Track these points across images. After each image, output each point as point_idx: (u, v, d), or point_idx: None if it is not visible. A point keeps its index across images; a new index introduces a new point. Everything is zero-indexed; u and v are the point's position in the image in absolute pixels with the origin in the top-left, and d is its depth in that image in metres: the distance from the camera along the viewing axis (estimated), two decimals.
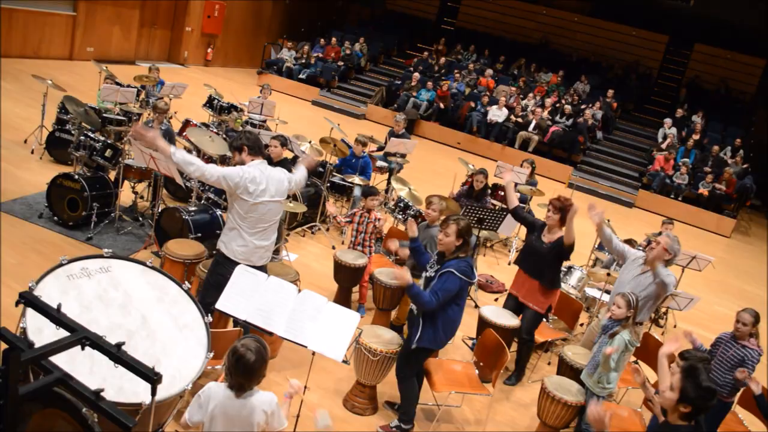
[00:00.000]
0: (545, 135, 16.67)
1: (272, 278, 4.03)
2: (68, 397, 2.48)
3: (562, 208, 5.38)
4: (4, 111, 9.38)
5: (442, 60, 20.20)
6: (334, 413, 4.78)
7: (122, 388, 3.25)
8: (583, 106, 17.75)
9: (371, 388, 4.87)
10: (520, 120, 16.97)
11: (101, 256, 3.93)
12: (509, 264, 8.71)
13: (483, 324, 5.54)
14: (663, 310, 7.85)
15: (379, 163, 9.93)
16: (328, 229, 8.52)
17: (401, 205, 8.10)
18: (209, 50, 19.54)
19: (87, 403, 2.42)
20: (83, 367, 3.19)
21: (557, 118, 17.29)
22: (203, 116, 10.79)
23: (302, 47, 20.03)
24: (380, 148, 10.40)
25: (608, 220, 8.21)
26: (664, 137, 17.07)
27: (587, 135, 17.15)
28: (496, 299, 7.49)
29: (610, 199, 15.63)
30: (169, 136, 7.79)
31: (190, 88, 11.05)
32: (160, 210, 6.52)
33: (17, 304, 2.69)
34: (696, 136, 16.93)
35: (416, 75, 18.28)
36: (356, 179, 8.24)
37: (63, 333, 2.49)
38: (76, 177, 6.51)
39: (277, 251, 7.00)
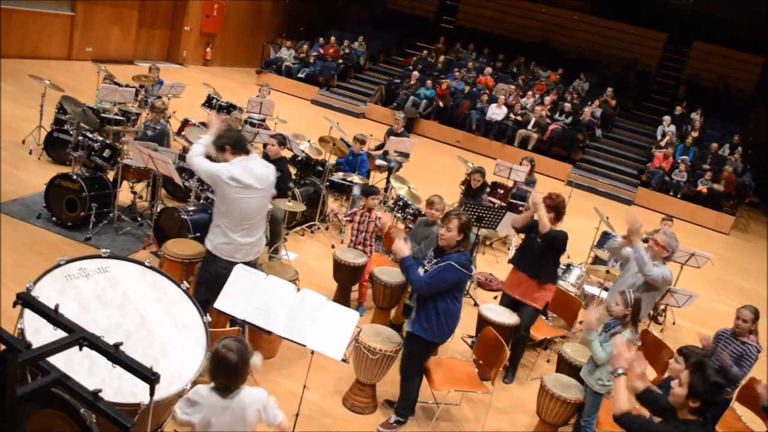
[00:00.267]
0: (544, 133, 16.67)
1: (271, 277, 4.03)
2: (66, 397, 2.48)
3: (555, 206, 5.40)
4: (2, 111, 9.37)
5: (442, 58, 20.19)
6: (334, 412, 4.79)
7: (121, 388, 3.25)
8: (582, 104, 17.75)
9: (371, 386, 4.87)
10: (519, 118, 16.96)
11: (99, 257, 3.93)
12: (508, 262, 8.71)
13: (482, 322, 5.54)
14: (662, 307, 7.86)
15: (379, 162, 9.93)
16: (327, 228, 8.51)
17: (400, 203, 8.10)
18: (208, 50, 19.53)
19: (85, 403, 2.41)
20: (81, 367, 3.19)
21: (556, 116, 17.30)
22: (202, 116, 10.78)
23: (301, 46, 20.01)
24: (379, 147, 10.40)
25: (607, 218, 8.23)
26: (663, 135, 17.08)
27: (586, 133, 17.15)
28: (495, 297, 7.48)
29: (609, 196, 15.63)
30: (165, 136, 7.80)
31: (189, 88, 11.04)
32: (158, 210, 6.51)
33: (15, 305, 2.69)
34: (695, 134, 16.95)
35: (415, 73, 18.27)
36: (355, 178, 8.23)
37: (61, 334, 2.49)
38: (75, 177, 6.50)
39: (276, 250, 7.00)
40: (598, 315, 4.56)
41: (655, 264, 5.26)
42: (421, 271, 4.50)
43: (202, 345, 3.81)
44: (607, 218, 8.23)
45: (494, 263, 8.80)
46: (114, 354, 2.47)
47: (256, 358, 3.33)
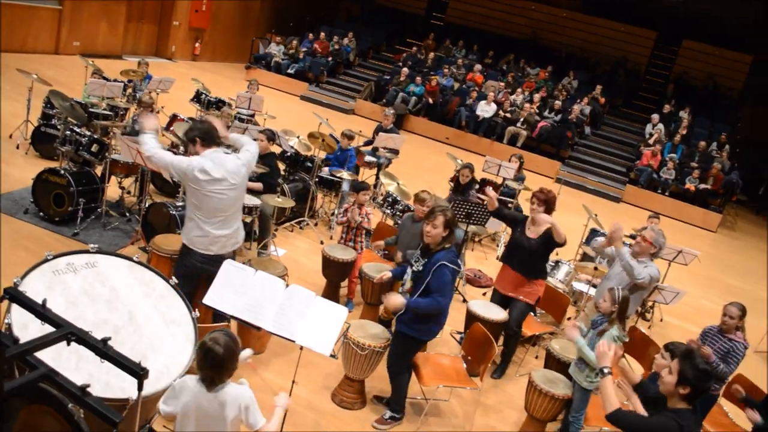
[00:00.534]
0: (533, 130, 16.73)
1: (260, 273, 4.02)
2: (54, 392, 2.47)
3: (547, 200, 5.40)
4: None
5: (431, 55, 20.20)
6: (323, 407, 4.80)
7: (109, 383, 3.24)
8: (571, 102, 17.82)
9: (359, 382, 4.88)
10: (508, 115, 17.01)
11: (87, 252, 3.90)
12: (497, 259, 8.74)
13: (471, 318, 5.56)
14: (650, 303, 7.91)
15: (368, 158, 9.93)
16: (316, 224, 8.51)
17: (390, 200, 8.11)
18: (197, 45, 19.43)
19: (73, 398, 2.41)
20: (69, 362, 3.17)
21: (546, 113, 17.36)
22: (191, 111, 10.74)
23: (291, 42, 19.94)
24: (368, 143, 10.39)
25: (596, 215, 8.27)
26: (652, 133, 17.18)
27: (575, 130, 17.23)
28: (484, 293, 7.51)
29: (598, 194, 15.72)
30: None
31: (177, 83, 10.98)
32: (147, 205, 6.49)
33: (2, 299, 2.67)
34: (683, 132, 17.06)
35: (405, 70, 18.27)
36: (344, 174, 8.23)
37: (49, 329, 2.48)
38: (62, 172, 6.46)
39: (265, 246, 6.99)
40: (575, 334, 4.54)
41: (642, 262, 5.29)
42: (409, 271, 4.50)
43: (191, 340, 3.79)
44: (596, 215, 8.27)
45: (483, 260, 8.83)
46: (102, 349, 2.46)
47: (246, 353, 3.33)
